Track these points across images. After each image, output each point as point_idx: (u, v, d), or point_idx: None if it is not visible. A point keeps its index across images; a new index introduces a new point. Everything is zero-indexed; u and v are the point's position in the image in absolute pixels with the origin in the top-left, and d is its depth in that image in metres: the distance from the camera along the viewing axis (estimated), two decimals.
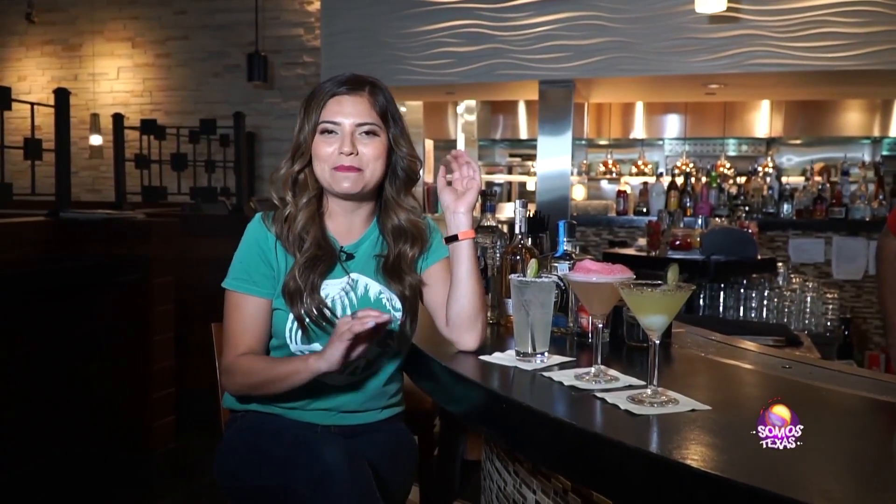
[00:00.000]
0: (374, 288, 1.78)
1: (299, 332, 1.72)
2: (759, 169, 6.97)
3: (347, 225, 1.81)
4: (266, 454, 1.69)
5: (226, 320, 1.76)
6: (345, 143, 1.70)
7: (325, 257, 1.74)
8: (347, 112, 1.71)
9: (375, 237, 1.83)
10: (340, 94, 1.72)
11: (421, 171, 1.86)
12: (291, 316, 1.72)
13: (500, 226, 2.14)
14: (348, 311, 1.72)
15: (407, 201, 1.82)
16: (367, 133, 1.73)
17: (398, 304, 1.77)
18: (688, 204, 5.72)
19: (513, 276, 1.67)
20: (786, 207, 5.72)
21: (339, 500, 1.51)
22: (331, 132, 1.72)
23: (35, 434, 3.49)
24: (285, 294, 1.70)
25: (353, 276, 1.77)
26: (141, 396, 3.64)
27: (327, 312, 1.70)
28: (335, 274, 1.76)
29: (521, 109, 8.05)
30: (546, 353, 1.62)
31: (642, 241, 4.85)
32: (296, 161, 1.75)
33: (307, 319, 1.69)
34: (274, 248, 1.75)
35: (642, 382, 1.37)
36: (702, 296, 4.12)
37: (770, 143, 7.85)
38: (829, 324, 4.14)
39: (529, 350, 1.61)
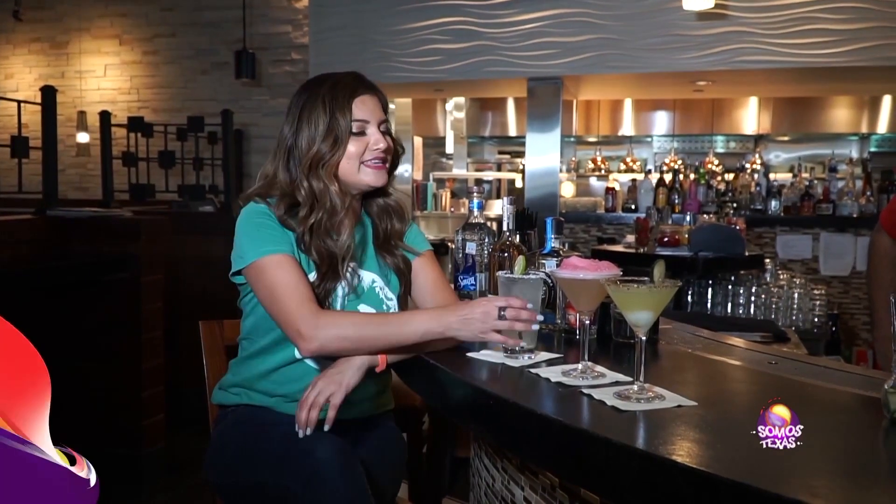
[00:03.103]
0: (368, 277, 1.81)
1: None
2: (747, 166, 7.01)
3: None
4: (258, 451, 1.69)
5: (276, 289, 1.63)
6: (379, 140, 1.75)
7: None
8: (372, 110, 1.76)
9: (365, 228, 1.86)
10: (362, 93, 1.76)
11: (410, 169, 1.89)
12: None
13: (488, 223, 2.14)
14: (345, 301, 1.75)
15: (393, 182, 1.89)
16: (386, 130, 1.79)
17: (390, 294, 1.81)
18: (676, 201, 5.74)
19: (500, 273, 1.67)
20: (773, 204, 5.74)
21: (332, 497, 1.51)
22: (361, 133, 1.74)
23: None
24: None
25: (350, 265, 1.79)
26: (131, 395, 3.62)
27: None
28: None
29: (510, 106, 8.04)
30: (534, 350, 1.62)
31: (631, 238, 4.85)
32: (322, 168, 1.71)
33: None
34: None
35: (629, 379, 1.37)
36: (690, 292, 4.13)
37: (758, 139, 7.87)
38: (816, 320, 4.15)
39: (517, 347, 1.61)
